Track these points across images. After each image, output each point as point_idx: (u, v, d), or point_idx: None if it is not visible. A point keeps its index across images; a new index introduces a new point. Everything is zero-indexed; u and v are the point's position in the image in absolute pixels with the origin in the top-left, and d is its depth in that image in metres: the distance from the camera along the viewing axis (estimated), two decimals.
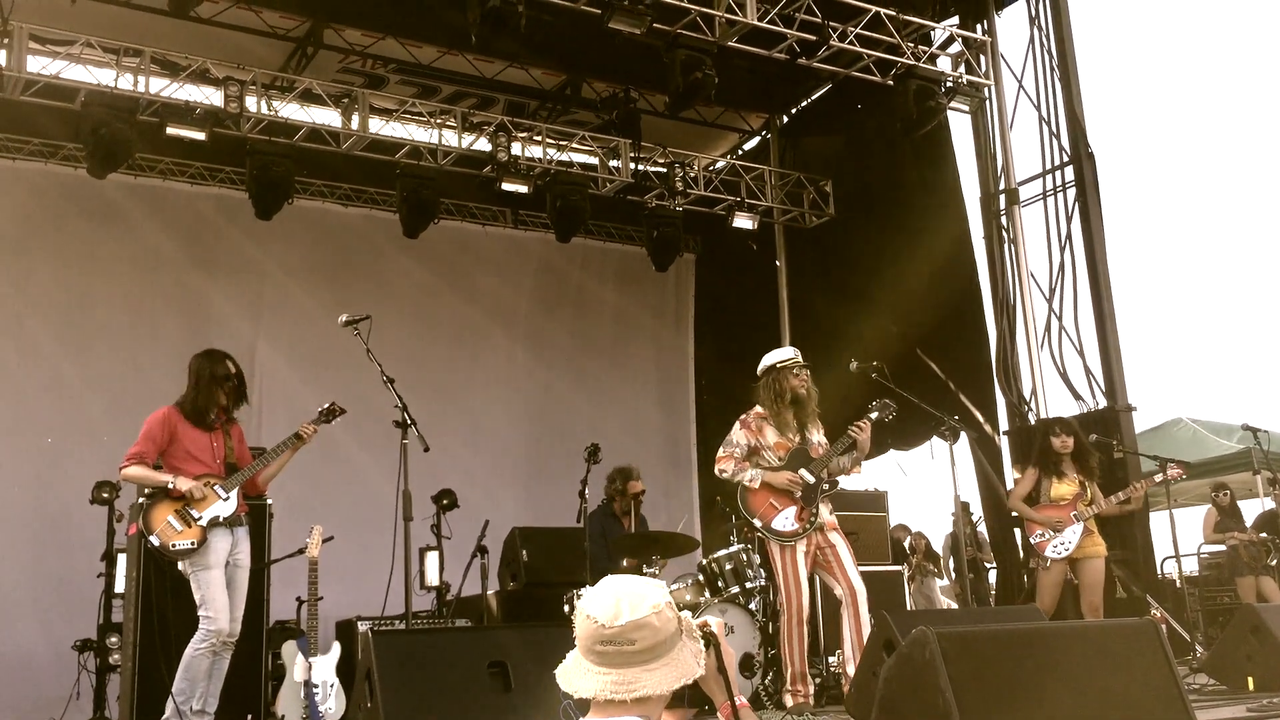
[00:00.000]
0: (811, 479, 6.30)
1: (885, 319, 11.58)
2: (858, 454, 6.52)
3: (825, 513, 6.39)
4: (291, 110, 11.05)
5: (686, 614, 2.46)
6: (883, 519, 9.36)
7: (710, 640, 2.53)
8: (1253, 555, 10.16)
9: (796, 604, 6.20)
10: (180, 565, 5.85)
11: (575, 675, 2.37)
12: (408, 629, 6.42)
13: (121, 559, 8.46)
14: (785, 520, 6.27)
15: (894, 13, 10.70)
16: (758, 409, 6.53)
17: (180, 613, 6.27)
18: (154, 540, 5.75)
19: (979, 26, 11.58)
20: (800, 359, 6.61)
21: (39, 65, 9.89)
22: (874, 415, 6.52)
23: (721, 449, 6.52)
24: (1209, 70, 40.38)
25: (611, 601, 2.34)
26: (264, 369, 11.49)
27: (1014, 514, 8.49)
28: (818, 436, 6.53)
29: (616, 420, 13.49)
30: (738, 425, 6.52)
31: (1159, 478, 7.82)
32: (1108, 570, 7.84)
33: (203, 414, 6.00)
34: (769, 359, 6.61)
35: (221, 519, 5.87)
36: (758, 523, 6.34)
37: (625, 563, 7.88)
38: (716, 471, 6.54)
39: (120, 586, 8.47)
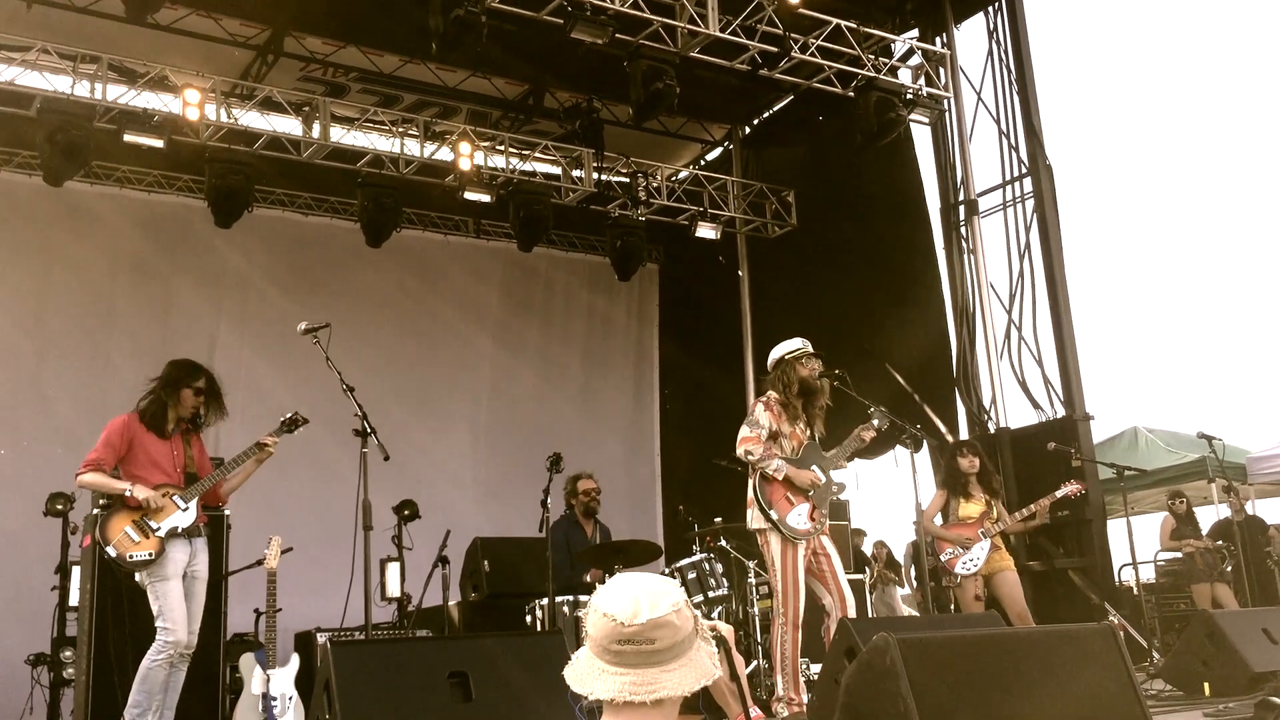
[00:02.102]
0: (823, 479, 6.11)
1: (848, 328, 11.63)
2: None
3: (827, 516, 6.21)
4: (252, 118, 10.98)
5: (698, 614, 2.38)
6: (844, 528, 9.39)
7: (721, 643, 2.44)
8: (1208, 562, 10.28)
9: (794, 607, 5.94)
10: (138, 576, 5.76)
11: (589, 676, 2.27)
12: (367, 639, 6.36)
13: (76, 571, 8.33)
14: (799, 517, 6.00)
15: (854, 25, 10.80)
16: (775, 394, 6.22)
17: (135, 625, 6.18)
18: (111, 551, 5.65)
19: (938, 40, 11.70)
20: (809, 348, 6.28)
21: None
22: (876, 423, 6.37)
23: (746, 428, 6.11)
24: (1166, 83, 41.02)
25: (630, 599, 2.25)
26: (222, 377, 11.35)
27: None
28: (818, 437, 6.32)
29: (580, 430, 13.47)
30: (761, 406, 6.19)
31: (1060, 492, 7.94)
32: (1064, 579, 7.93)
33: (159, 420, 5.91)
34: (776, 351, 6.31)
35: (180, 530, 5.78)
36: (773, 514, 5.99)
37: (589, 575, 7.86)
38: (740, 453, 6.11)
39: (74, 599, 8.33)
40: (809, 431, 6.25)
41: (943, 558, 7.74)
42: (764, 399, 6.27)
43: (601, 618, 2.27)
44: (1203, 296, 36.82)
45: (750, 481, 6.16)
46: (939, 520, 8.01)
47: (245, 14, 10.86)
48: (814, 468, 6.14)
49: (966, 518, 7.80)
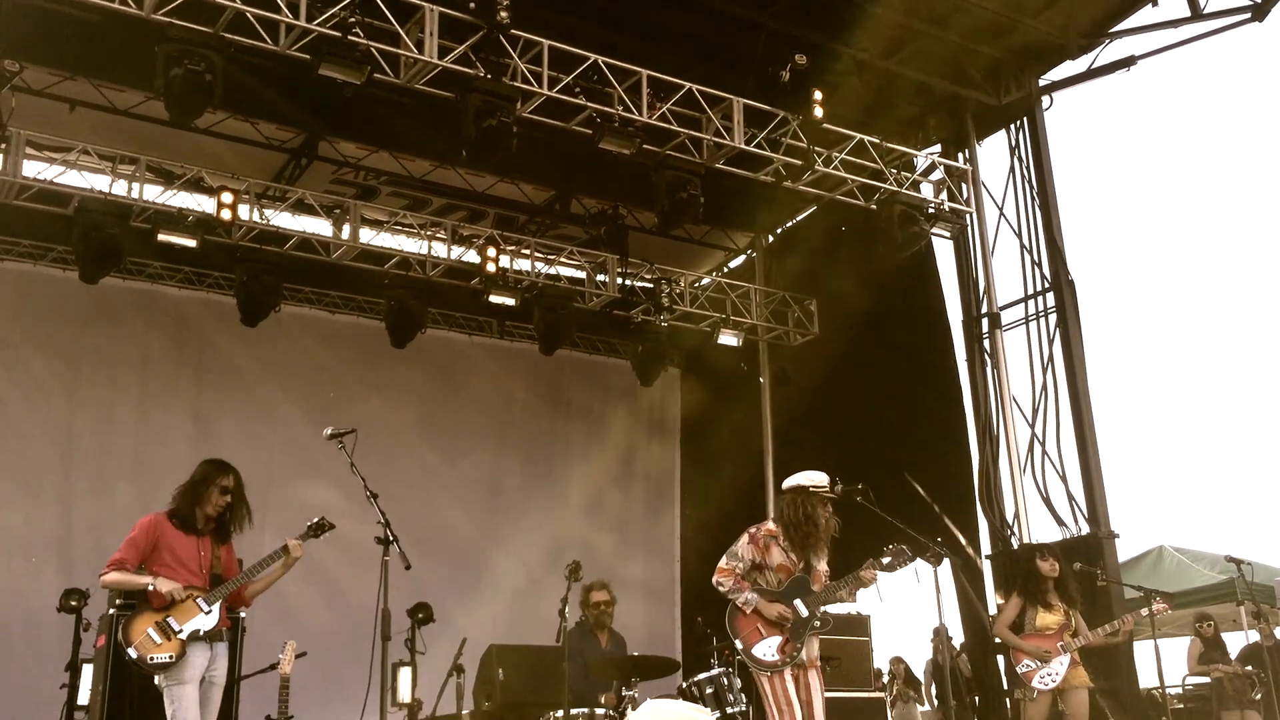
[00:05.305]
0: (804, 613, 6.02)
1: (868, 437, 11.58)
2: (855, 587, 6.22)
3: (813, 648, 6.10)
4: (283, 219, 11.16)
5: None
6: (865, 644, 9.22)
7: None
8: (1237, 688, 10.03)
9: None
10: (156, 679, 5.70)
11: None
12: None
13: (87, 670, 8.25)
14: (767, 649, 5.98)
15: (877, 140, 10.96)
16: (769, 526, 6.19)
17: None
18: (132, 653, 5.61)
19: (960, 155, 11.85)
20: (828, 489, 6.19)
21: (35, 170, 9.99)
22: (886, 561, 6.16)
23: (724, 560, 6.16)
24: (1188, 197, 41.37)
25: None
26: (245, 475, 11.38)
27: (998, 641, 8.33)
28: (822, 565, 6.21)
29: (599, 536, 13.40)
30: (745, 539, 6.18)
31: (1145, 611, 7.70)
32: (1093, 702, 7.69)
33: (189, 518, 5.90)
34: (801, 479, 6.20)
35: (202, 633, 5.73)
36: (739, 644, 6.07)
37: (604, 698, 7.70)
38: (714, 583, 6.19)
39: (83, 698, 8.25)
40: (801, 564, 6.14)
41: (1019, 670, 7.43)
42: (750, 531, 6.23)
43: None
44: (1230, 413, 36.62)
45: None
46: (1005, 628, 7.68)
47: (281, 119, 11.12)
48: (796, 602, 6.06)
49: (1045, 628, 7.45)
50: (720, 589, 6.15)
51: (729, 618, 6.14)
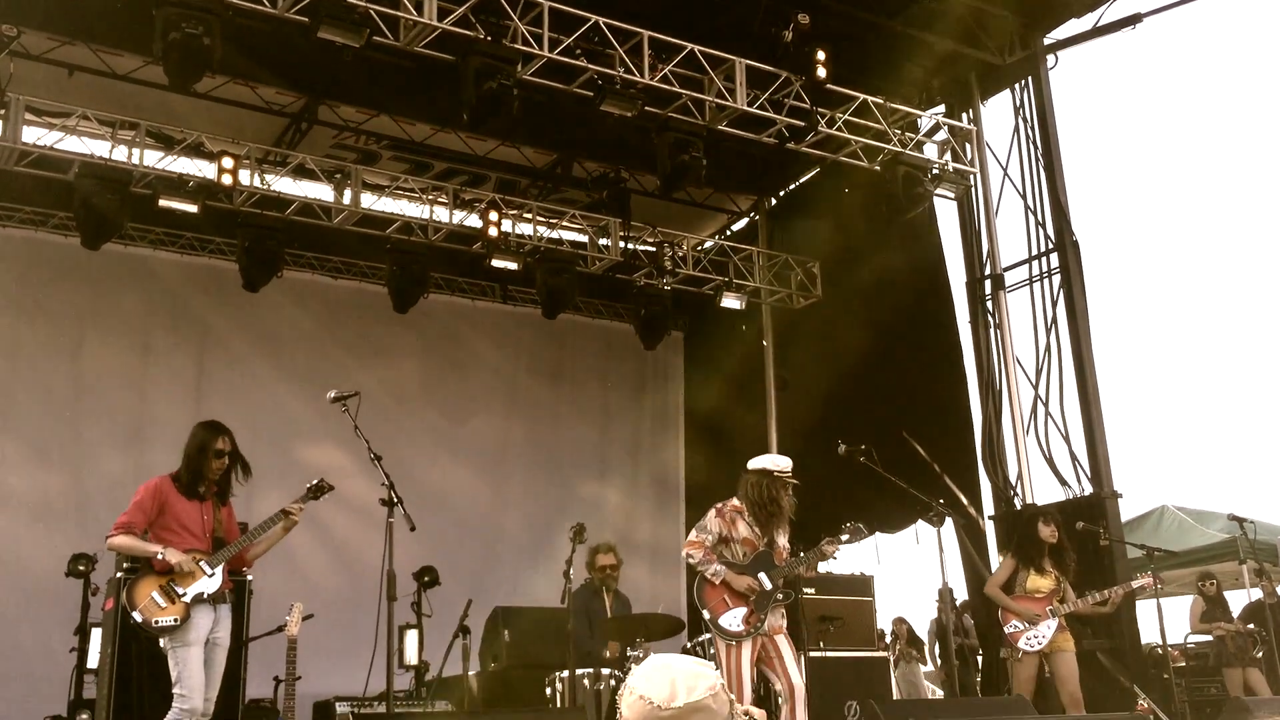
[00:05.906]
0: (769, 586, 6.28)
1: (872, 399, 11.60)
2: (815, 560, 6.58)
3: (775, 618, 6.32)
4: (284, 184, 11.12)
5: (734, 697, 2.35)
6: (869, 604, 9.27)
7: None
8: (1239, 646, 10.09)
9: (740, 699, 6.01)
10: (161, 641, 5.75)
11: None
12: (389, 713, 6.29)
13: (95, 634, 8.32)
14: (733, 619, 6.22)
15: (881, 101, 10.88)
16: (735, 502, 6.46)
17: (154, 690, 6.14)
18: (137, 616, 5.65)
19: (965, 115, 11.76)
20: (791, 473, 6.48)
21: (34, 136, 9.95)
22: (845, 538, 6.53)
23: (694, 533, 6.47)
24: (1194, 158, 41.18)
25: (666, 682, 2.24)
26: (248, 440, 11.42)
27: (989, 599, 8.42)
28: (783, 540, 6.50)
29: (604, 498, 13.45)
30: (713, 513, 6.47)
31: (1135, 583, 7.79)
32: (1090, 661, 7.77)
33: (191, 483, 5.94)
34: (766, 462, 6.48)
35: (205, 595, 5.78)
36: (706, 614, 6.32)
37: (608, 650, 7.77)
38: (684, 555, 6.51)
39: (93, 662, 8.32)
40: (765, 539, 6.38)
41: (1006, 629, 7.56)
42: (718, 506, 6.50)
43: (638, 700, 2.24)
44: (1232, 372, 36.63)
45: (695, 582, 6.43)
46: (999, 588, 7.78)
47: (281, 83, 11.05)
48: (760, 575, 6.31)
49: (1035, 591, 7.56)
50: (690, 561, 6.43)
51: (697, 588, 6.41)
